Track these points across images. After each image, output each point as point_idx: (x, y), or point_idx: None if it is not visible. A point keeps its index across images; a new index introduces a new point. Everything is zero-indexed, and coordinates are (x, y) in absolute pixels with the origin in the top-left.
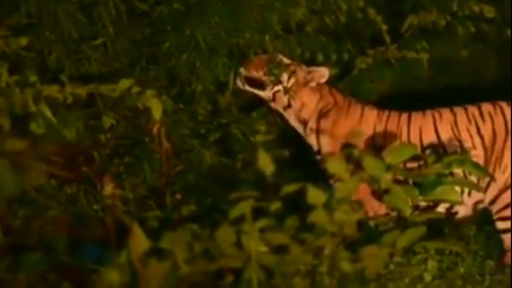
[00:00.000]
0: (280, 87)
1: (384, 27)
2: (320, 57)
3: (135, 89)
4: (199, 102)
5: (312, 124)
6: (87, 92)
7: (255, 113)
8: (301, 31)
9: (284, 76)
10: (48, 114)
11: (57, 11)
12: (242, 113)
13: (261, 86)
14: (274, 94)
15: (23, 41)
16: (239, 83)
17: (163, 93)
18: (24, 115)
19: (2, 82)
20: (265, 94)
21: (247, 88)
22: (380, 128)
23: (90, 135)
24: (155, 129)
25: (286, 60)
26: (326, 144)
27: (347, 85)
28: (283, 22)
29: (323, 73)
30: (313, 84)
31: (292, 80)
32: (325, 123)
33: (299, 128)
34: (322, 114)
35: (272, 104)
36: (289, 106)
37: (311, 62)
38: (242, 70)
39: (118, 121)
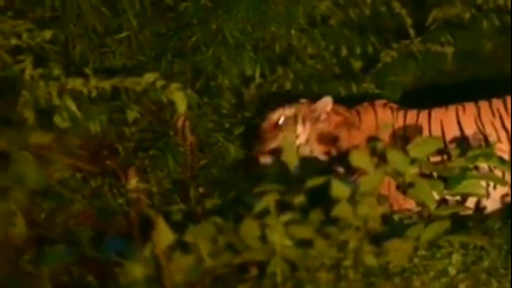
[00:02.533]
0: (301, 140)
1: (409, 21)
2: (344, 51)
3: (159, 83)
4: (224, 96)
5: (333, 149)
6: (112, 85)
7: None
8: (326, 24)
9: (299, 128)
10: (73, 107)
11: (81, 4)
12: (266, 106)
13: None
14: (297, 147)
15: (48, 34)
16: (265, 160)
17: (187, 87)
18: (48, 108)
19: (26, 75)
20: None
21: (273, 158)
22: (398, 127)
23: (115, 129)
24: (179, 123)
25: (290, 110)
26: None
27: (372, 78)
28: (308, 15)
29: (326, 104)
30: (322, 117)
31: (307, 126)
32: (342, 142)
33: (323, 157)
34: (337, 135)
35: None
36: (311, 149)
37: (336, 55)
38: (261, 149)
39: (143, 114)
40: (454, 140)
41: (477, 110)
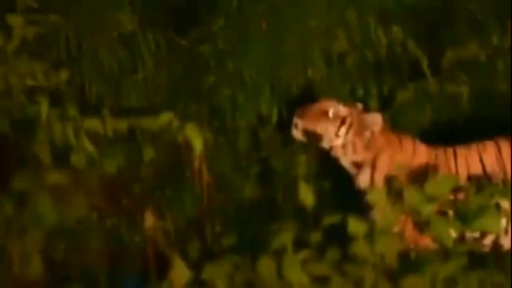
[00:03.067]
0: (338, 141)
1: (425, 61)
2: (360, 90)
3: (175, 123)
4: (240, 135)
5: (367, 166)
6: (128, 126)
7: (295, 146)
8: (341, 63)
9: (342, 131)
10: (89, 148)
11: (97, 45)
12: (282, 146)
13: (319, 139)
14: (331, 147)
15: (64, 75)
16: (296, 134)
17: (204, 126)
18: (65, 148)
19: (42, 116)
20: (323, 145)
21: (303, 138)
22: (431, 163)
23: (131, 169)
24: (196, 163)
25: (343, 111)
26: (381, 182)
27: (388, 118)
28: (324, 54)
29: (376, 121)
30: (367, 133)
31: (350, 134)
32: (382, 164)
33: (352, 170)
34: (377, 156)
35: (327, 150)
36: (344, 154)
37: (351, 95)
38: (299, 122)
39: (159, 154)
40: (478, 179)
41: (498, 148)
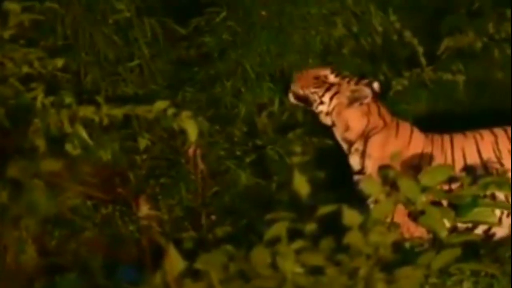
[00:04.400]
0: (322, 108)
1: (420, 49)
2: None
3: (170, 111)
4: (235, 124)
5: (358, 145)
6: (123, 113)
7: (291, 135)
8: (338, 53)
9: (326, 97)
10: (84, 135)
11: (93, 32)
12: (277, 134)
13: (308, 103)
14: (318, 113)
15: (59, 62)
16: (291, 98)
17: (199, 114)
18: (60, 136)
19: (38, 103)
20: (312, 110)
21: (296, 102)
22: (428, 151)
23: (126, 157)
24: (190, 151)
25: (333, 78)
26: (372, 166)
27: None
28: (323, 43)
29: (365, 93)
30: (356, 105)
31: (334, 102)
32: (374, 146)
33: (344, 146)
34: (369, 136)
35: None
36: (333, 125)
37: None
38: (292, 86)
39: (154, 142)
40: (475, 167)
41: (494, 138)
